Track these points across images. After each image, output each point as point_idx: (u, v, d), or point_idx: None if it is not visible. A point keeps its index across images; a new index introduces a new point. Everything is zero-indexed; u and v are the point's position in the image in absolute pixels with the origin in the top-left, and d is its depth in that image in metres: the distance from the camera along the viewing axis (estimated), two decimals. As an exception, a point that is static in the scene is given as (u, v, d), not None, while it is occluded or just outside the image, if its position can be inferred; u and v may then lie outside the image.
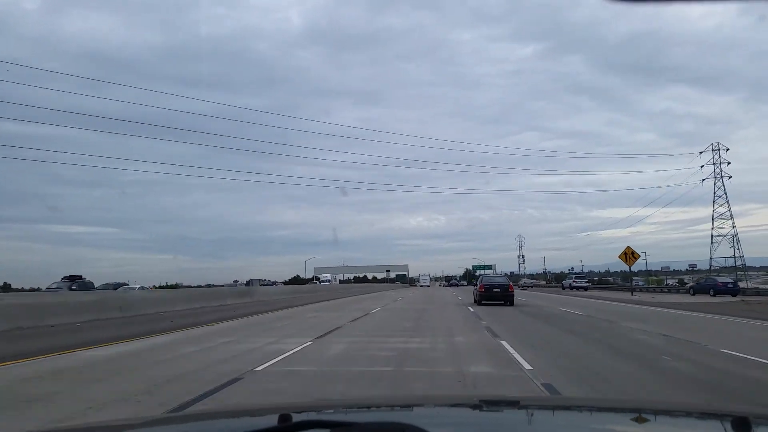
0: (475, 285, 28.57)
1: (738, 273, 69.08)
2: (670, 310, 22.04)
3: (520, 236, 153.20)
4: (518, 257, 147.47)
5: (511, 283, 26.32)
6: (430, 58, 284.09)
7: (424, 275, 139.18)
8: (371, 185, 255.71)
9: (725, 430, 1.64)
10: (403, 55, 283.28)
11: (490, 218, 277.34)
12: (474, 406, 2.27)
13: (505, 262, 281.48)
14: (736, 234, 73.19)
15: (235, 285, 70.77)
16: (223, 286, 64.35)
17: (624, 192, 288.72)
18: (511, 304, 24.25)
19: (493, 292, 24.63)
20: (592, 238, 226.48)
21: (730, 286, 37.87)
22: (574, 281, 61.93)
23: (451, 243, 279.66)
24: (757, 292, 40.15)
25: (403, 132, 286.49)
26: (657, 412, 2.11)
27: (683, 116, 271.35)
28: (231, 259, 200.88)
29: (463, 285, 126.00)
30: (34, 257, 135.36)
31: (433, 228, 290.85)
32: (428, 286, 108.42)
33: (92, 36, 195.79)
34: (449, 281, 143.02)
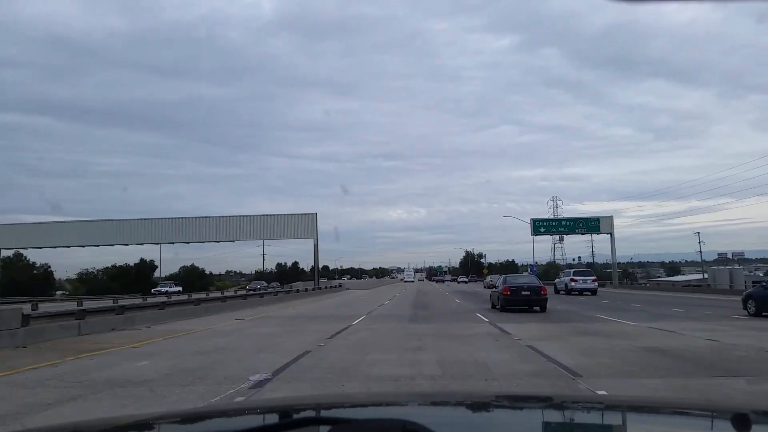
0: (496, 287, 23.90)
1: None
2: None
3: (555, 198, 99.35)
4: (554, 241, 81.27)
5: (543, 285, 22.16)
6: (406, 49, 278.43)
7: (408, 271, 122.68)
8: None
9: (725, 427, 1.65)
10: (379, 45, 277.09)
11: (469, 211, 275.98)
12: (485, 404, 2.20)
13: (493, 254, 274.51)
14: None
15: None
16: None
17: (601, 185, 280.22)
18: (544, 310, 20.73)
19: (521, 295, 20.91)
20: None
21: None
22: (572, 279, 37.44)
23: (432, 235, 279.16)
24: None
25: (379, 124, 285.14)
26: (659, 409, 2.11)
27: (659, 111, 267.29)
28: (206, 251, 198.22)
29: (446, 280, 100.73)
30: None
31: (413, 220, 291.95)
32: (413, 281, 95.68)
33: (54, 20, 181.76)
34: (433, 275, 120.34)
